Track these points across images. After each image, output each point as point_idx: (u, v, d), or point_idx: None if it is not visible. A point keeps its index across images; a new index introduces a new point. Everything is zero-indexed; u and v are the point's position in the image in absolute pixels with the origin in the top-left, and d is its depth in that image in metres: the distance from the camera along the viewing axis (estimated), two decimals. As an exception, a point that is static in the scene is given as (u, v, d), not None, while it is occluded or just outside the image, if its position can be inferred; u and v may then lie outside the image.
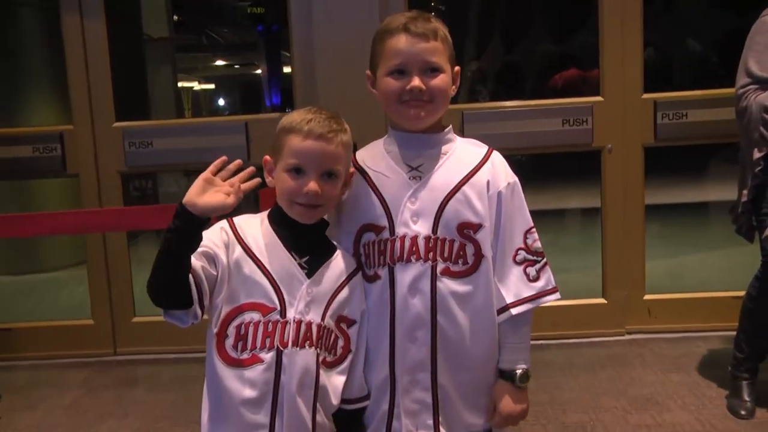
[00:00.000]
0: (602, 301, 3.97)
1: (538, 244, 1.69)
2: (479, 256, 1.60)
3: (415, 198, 1.61)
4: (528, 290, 1.66)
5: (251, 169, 1.55)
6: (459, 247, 1.59)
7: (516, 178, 1.68)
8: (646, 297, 3.95)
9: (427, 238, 1.59)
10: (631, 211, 3.89)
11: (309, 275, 1.58)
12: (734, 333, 3.14)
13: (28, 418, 3.38)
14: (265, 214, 1.66)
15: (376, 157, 1.69)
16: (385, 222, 1.62)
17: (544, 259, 1.69)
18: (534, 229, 1.68)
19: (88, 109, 3.99)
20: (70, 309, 4.83)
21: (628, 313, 3.94)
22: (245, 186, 1.51)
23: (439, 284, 1.58)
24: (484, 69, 8.36)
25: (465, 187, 1.61)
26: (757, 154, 2.84)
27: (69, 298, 5.16)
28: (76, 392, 3.65)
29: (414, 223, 1.60)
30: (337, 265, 1.62)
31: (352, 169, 1.67)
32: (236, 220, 1.62)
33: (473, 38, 9.31)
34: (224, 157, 1.52)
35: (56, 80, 5.25)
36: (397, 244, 1.59)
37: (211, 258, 1.53)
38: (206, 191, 1.45)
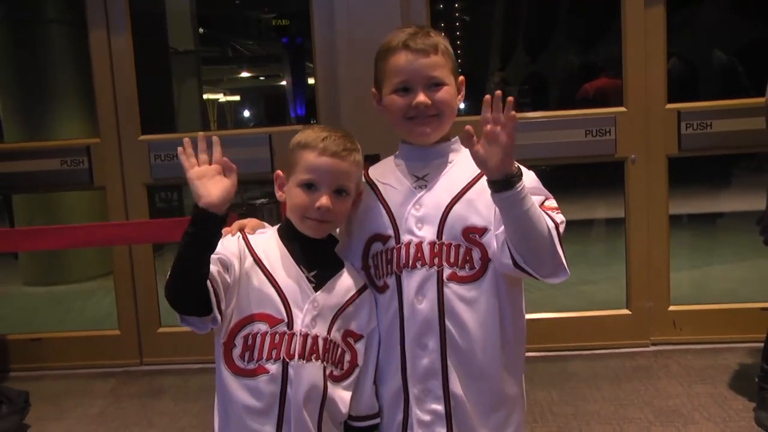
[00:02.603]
0: (627, 312, 3.94)
1: (554, 203, 1.60)
2: (486, 260, 1.59)
3: (420, 205, 1.63)
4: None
5: (215, 139, 1.55)
6: (465, 252, 1.59)
7: (526, 170, 1.60)
8: (671, 308, 3.91)
9: (432, 244, 1.59)
10: (655, 222, 3.87)
11: (316, 289, 1.60)
12: (761, 344, 3.10)
13: (56, 427, 3.42)
14: (275, 228, 1.69)
15: (386, 171, 1.72)
16: (390, 231, 1.63)
17: (561, 215, 1.58)
18: (552, 199, 1.60)
19: (115, 123, 4.05)
20: (97, 319, 4.89)
21: (652, 324, 3.91)
22: (217, 158, 1.51)
23: (445, 289, 1.58)
24: (508, 79, 8.37)
25: (469, 192, 1.62)
26: (786, 164, 2.81)
27: (96, 309, 5.22)
28: (103, 402, 3.69)
29: (419, 230, 1.61)
30: (345, 280, 1.64)
31: (361, 190, 1.70)
32: (249, 233, 1.65)
33: (497, 49, 9.32)
34: (180, 148, 1.52)
35: (83, 94, 5.34)
36: (403, 252, 1.61)
37: (226, 265, 1.55)
38: (208, 185, 1.46)
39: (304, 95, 17.01)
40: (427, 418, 1.61)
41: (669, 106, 3.81)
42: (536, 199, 1.55)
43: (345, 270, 1.66)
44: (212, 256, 1.51)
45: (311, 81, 4.26)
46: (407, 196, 1.65)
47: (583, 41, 8.18)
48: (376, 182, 1.71)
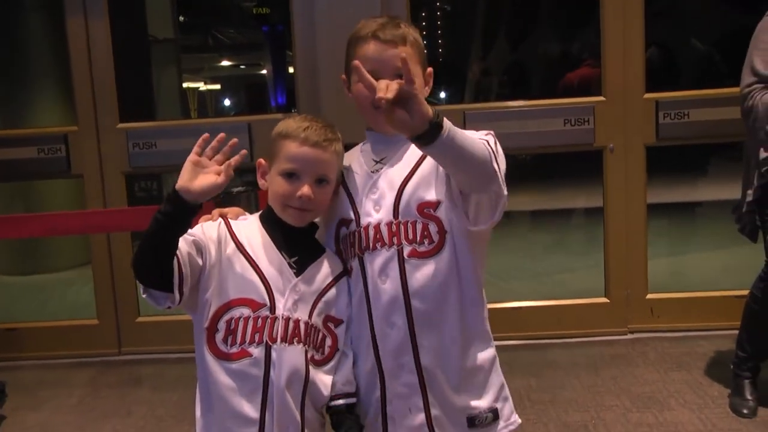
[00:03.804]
0: (605, 300, 3.98)
1: (493, 142, 1.54)
2: (443, 232, 1.62)
3: (376, 188, 1.67)
4: None
5: (234, 140, 1.58)
6: (422, 228, 1.62)
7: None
8: (649, 296, 3.95)
9: (389, 224, 1.63)
10: (633, 211, 3.90)
11: (297, 274, 1.63)
12: (737, 332, 3.14)
13: (33, 417, 3.40)
14: (256, 215, 1.71)
15: (351, 158, 1.76)
16: (352, 215, 1.68)
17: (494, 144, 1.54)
18: (492, 135, 1.56)
19: (92, 111, 4.01)
20: (76, 309, 4.85)
21: (630, 312, 3.95)
22: (233, 161, 1.54)
23: (407, 267, 1.61)
24: (488, 69, 8.38)
25: (420, 169, 1.64)
26: (763, 154, 2.83)
27: (74, 299, 5.18)
28: (81, 392, 3.67)
29: (376, 212, 1.65)
30: (325, 266, 1.67)
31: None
32: (231, 220, 1.67)
33: (478, 38, 9.31)
34: (206, 135, 1.56)
35: (61, 82, 5.28)
36: (363, 234, 1.64)
37: (200, 248, 1.57)
38: (197, 174, 1.49)
39: (285, 84, 16.93)
40: (403, 390, 1.65)
41: (647, 95, 3.83)
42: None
43: (325, 256, 1.70)
44: (188, 237, 1.54)
45: (292, 70, 4.24)
46: (365, 179, 1.69)
47: (564, 31, 8.20)
48: (342, 169, 1.75)
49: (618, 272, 3.94)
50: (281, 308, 1.58)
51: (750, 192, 2.92)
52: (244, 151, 1.59)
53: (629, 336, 3.92)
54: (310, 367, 1.61)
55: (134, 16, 7.46)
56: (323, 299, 1.65)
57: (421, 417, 1.65)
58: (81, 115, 4.04)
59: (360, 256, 1.65)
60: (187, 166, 1.50)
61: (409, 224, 1.62)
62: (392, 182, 1.65)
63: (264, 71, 19.89)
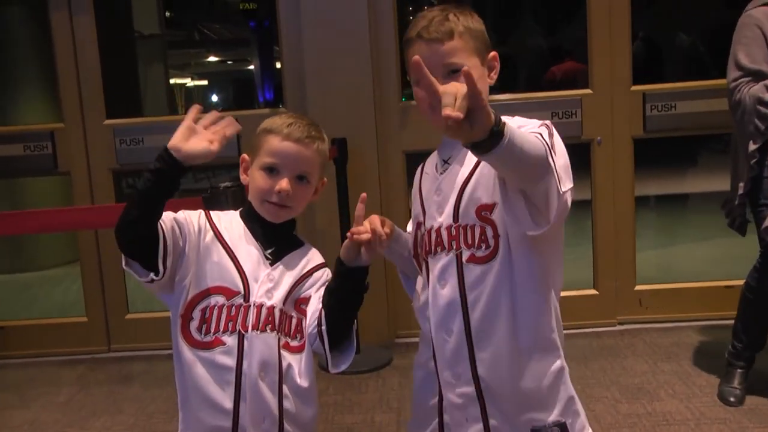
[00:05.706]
0: (594, 292, 3.99)
1: (547, 135, 1.41)
2: (497, 236, 1.54)
3: (440, 190, 1.62)
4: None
5: (230, 119, 1.58)
6: (480, 232, 1.55)
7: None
8: (637, 287, 3.97)
9: (449, 228, 1.57)
10: (621, 203, 3.92)
11: (272, 264, 1.64)
12: (724, 322, 3.18)
13: (22, 415, 3.39)
14: (237, 211, 1.72)
15: (429, 159, 1.72)
16: (422, 218, 1.65)
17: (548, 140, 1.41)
18: (547, 126, 1.44)
19: (79, 107, 3.99)
20: (64, 307, 4.83)
21: (619, 303, 3.96)
22: (228, 132, 1.54)
23: (465, 272, 1.55)
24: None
25: (478, 169, 1.56)
26: (752, 146, 2.86)
27: (63, 296, 5.16)
28: (70, 389, 3.66)
29: (439, 215, 1.60)
30: (301, 257, 1.69)
31: (324, 179, 1.72)
32: (211, 212, 1.69)
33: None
34: (198, 106, 1.56)
35: (46, 78, 5.24)
36: (426, 238, 1.61)
37: (183, 228, 1.58)
38: (190, 137, 1.49)
39: (273, 79, 16.88)
40: (459, 401, 1.59)
41: (634, 87, 3.84)
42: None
43: (303, 248, 1.71)
44: (170, 215, 1.56)
45: (279, 65, 4.24)
46: (432, 182, 1.66)
47: (550, 24, 8.22)
48: (422, 172, 1.72)
49: (606, 264, 3.96)
50: (255, 295, 1.59)
51: (741, 185, 2.94)
52: (238, 127, 1.57)
53: (618, 327, 3.94)
54: (285, 354, 1.60)
55: (120, 12, 7.41)
56: (296, 289, 1.65)
57: (478, 427, 1.57)
58: (67, 112, 4.02)
59: (426, 261, 1.61)
60: (181, 129, 1.50)
61: (468, 228, 1.56)
62: (454, 184, 1.58)
63: (251, 67, 19.82)
